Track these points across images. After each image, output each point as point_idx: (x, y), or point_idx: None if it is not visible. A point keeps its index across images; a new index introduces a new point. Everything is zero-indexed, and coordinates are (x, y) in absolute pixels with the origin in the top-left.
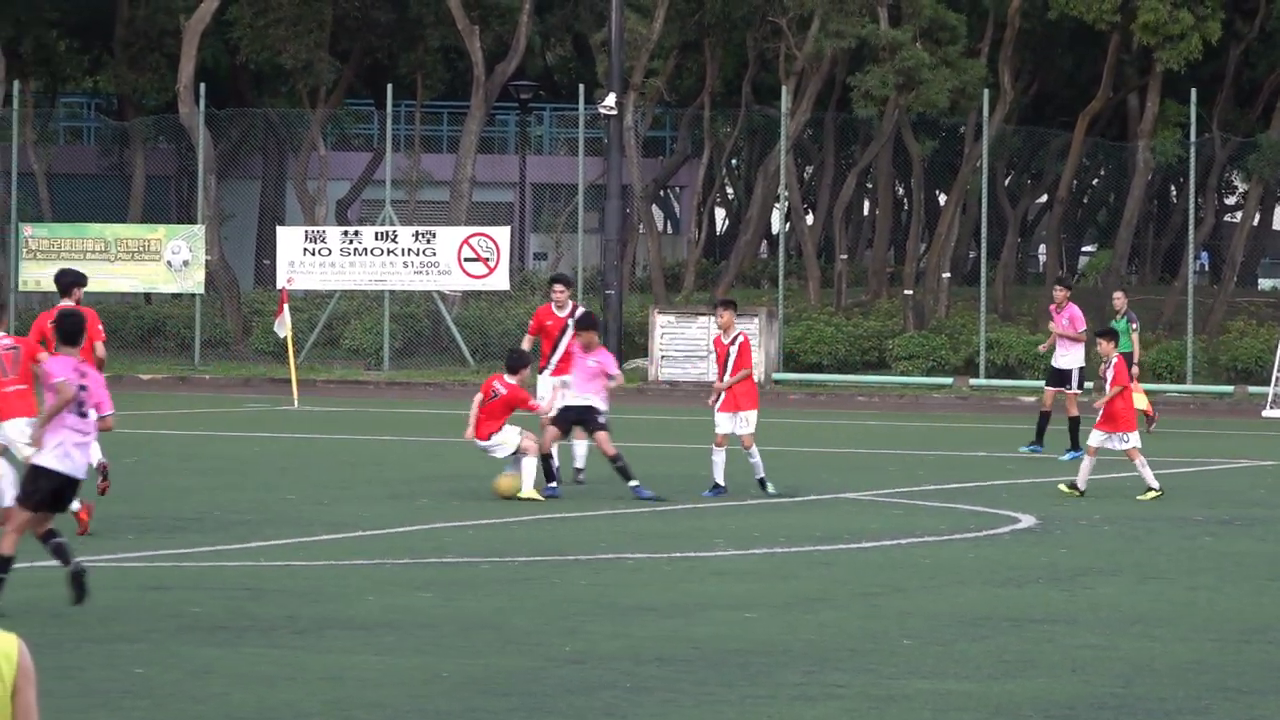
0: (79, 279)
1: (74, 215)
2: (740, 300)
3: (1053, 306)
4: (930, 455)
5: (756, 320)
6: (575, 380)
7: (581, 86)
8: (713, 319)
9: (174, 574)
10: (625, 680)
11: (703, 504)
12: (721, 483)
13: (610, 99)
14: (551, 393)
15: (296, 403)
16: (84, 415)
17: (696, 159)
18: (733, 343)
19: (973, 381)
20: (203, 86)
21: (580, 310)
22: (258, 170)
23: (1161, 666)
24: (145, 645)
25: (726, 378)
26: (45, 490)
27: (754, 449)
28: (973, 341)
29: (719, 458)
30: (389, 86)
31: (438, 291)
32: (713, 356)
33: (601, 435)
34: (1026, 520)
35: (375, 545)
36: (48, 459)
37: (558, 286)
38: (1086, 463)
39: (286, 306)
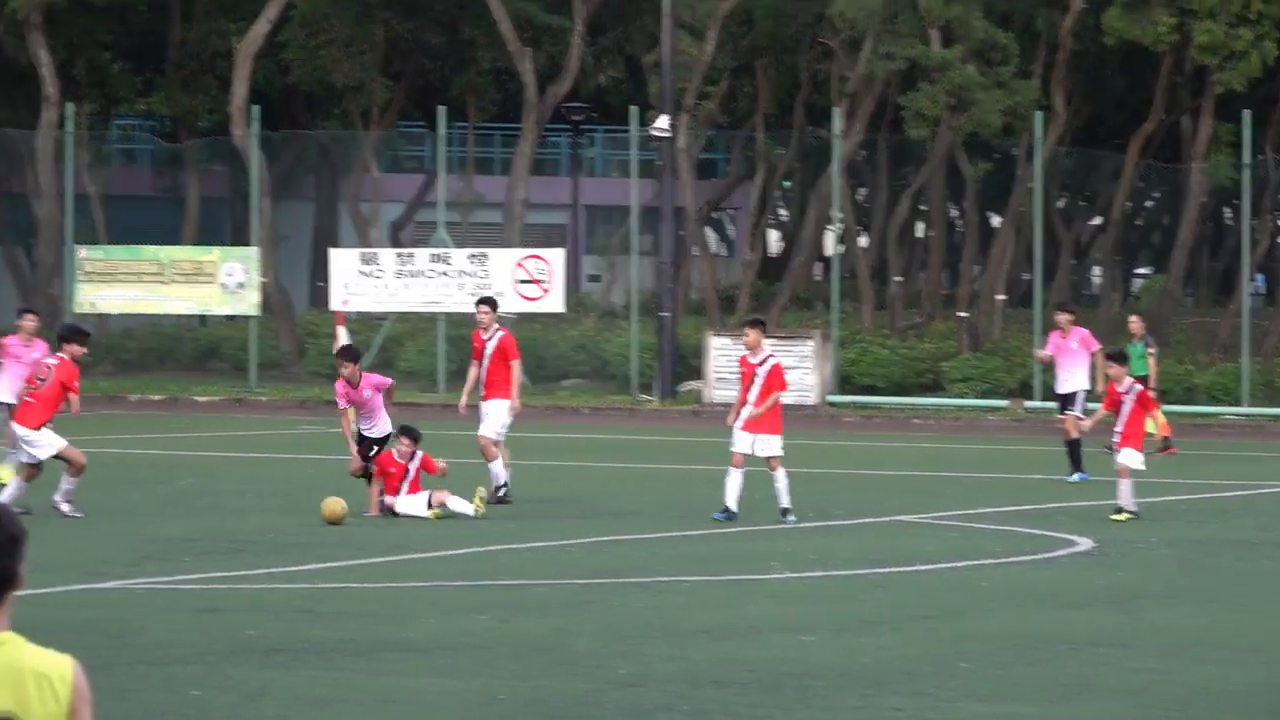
0: (75, 336)
1: (128, 237)
2: (794, 322)
3: (1057, 332)
4: (986, 477)
5: (811, 342)
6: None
7: (634, 108)
8: (768, 342)
9: (230, 596)
10: (682, 703)
11: (759, 527)
12: (734, 508)
13: (663, 121)
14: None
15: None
16: None
17: (749, 181)
18: (761, 364)
19: (1028, 404)
20: (256, 108)
21: (499, 335)
22: (311, 192)
23: (1219, 690)
24: (201, 667)
25: (750, 403)
26: None
27: (780, 472)
28: (1028, 364)
29: (734, 479)
30: (441, 108)
31: None
32: (738, 376)
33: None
34: (1083, 543)
35: (431, 567)
36: None
37: (482, 308)
38: (1124, 485)
39: (342, 329)
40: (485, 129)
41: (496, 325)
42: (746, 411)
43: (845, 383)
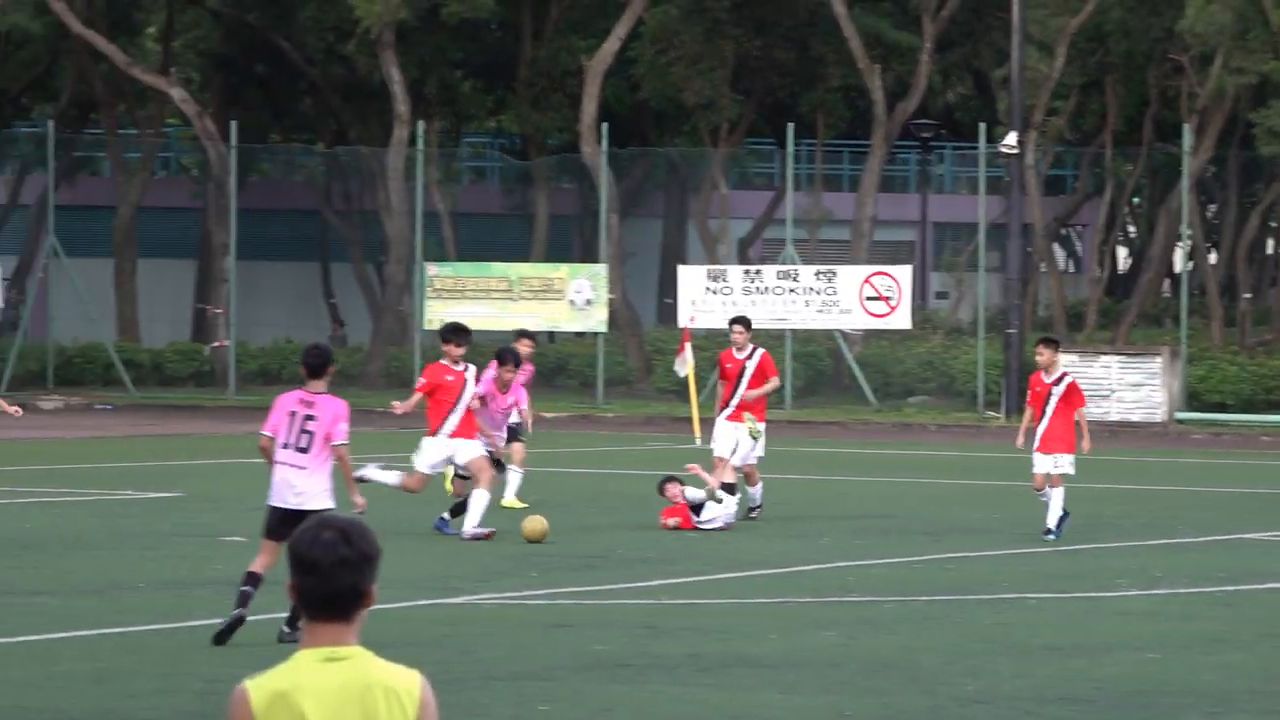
0: (451, 335)
1: (477, 254)
2: (1143, 340)
3: None
4: None
5: (1159, 359)
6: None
7: (982, 125)
8: (1116, 359)
9: (577, 611)
10: None
11: (1105, 544)
12: (1052, 526)
13: (1011, 137)
14: (727, 436)
15: (699, 441)
16: (302, 449)
17: (1098, 197)
18: (1057, 382)
19: None
20: (605, 125)
21: (759, 354)
22: (659, 209)
23: None
24: (549, 683)
25: (1044, 424)
26: (267, 520)
27: (1060, 491)
28: None
29: (1046, 499)
30: (790, 125)
31: (839, 330)
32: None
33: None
34: None
35: (777, 583)
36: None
37: (737, 328)
38: None
39: (689, 345)
40: (834, 146)
41: (752, 344)
42: (1041, 431)
43: (1193, 400)
